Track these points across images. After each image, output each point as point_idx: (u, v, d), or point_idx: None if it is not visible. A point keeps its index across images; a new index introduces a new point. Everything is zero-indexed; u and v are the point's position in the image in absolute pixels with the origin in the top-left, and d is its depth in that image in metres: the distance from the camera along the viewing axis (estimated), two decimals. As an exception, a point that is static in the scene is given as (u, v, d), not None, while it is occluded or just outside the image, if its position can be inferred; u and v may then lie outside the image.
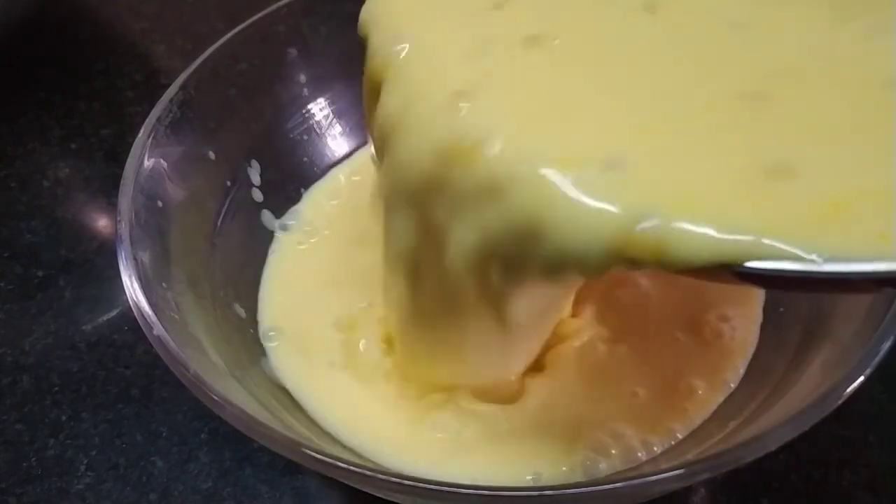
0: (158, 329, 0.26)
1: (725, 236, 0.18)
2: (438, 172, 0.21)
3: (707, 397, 0.29)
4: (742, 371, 0.30)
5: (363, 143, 0.41)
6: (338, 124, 0.41)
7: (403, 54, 0.22)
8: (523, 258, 0.20)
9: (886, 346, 0.24)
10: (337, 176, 0.40)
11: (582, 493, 0.21)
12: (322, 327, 0.33)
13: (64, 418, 0.36)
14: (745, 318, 0.31)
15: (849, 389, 0.22)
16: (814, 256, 0.17)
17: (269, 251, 0.37)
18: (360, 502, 0.28)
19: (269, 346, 0.33)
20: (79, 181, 0.47)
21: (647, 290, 0.31)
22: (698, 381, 0.29)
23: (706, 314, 0.31)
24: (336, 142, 0.41)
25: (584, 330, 0.30)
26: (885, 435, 0.33)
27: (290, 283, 0.35)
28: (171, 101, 0.33)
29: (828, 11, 0.20)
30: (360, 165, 0.40)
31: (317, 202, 0.38)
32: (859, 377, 0.23)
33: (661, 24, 0.22)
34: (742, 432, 0.26)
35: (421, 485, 0.21)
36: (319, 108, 0.40)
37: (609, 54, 0.21)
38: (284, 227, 0.38)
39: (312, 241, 0.37)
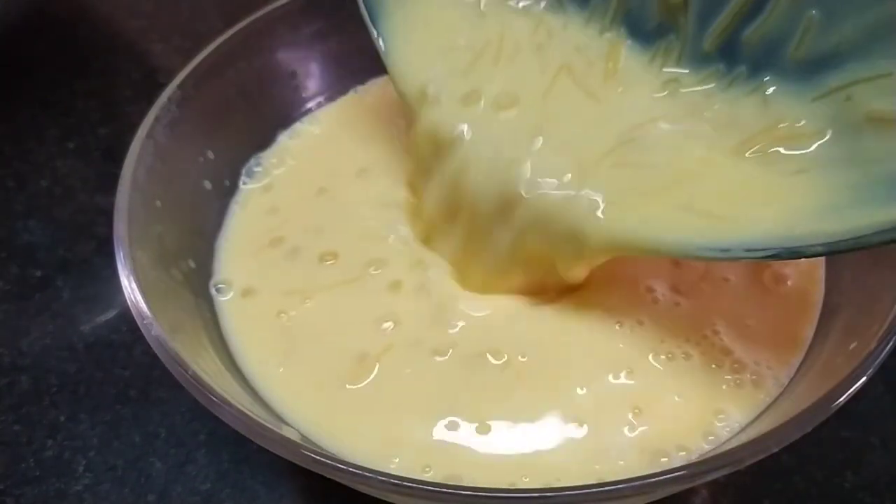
0: (157, 330, 0.25)
1: None
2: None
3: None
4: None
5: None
6: (337, 123, 0.41)
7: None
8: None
9: (888, 347, 0.24)
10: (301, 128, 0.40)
11: (582, 493, 0.21)
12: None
13: (62, 419, 0.36)
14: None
15: (851, 390, 0.22)
16: None
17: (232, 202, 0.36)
18: (359, 502, 0.28)
19: (221, 299, 0.33)
20: (76, 180, 0.47)
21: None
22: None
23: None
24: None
25: None
26: (888, 436, 0.33)
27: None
28: (169, 99, 0.33)
29: None
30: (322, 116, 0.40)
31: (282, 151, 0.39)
32: (861, 378, 0.23)
33: None
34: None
35: (420, 486, 0.21)
36: (319, 107, 0.40)
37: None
38: (251, 174, 0.37)
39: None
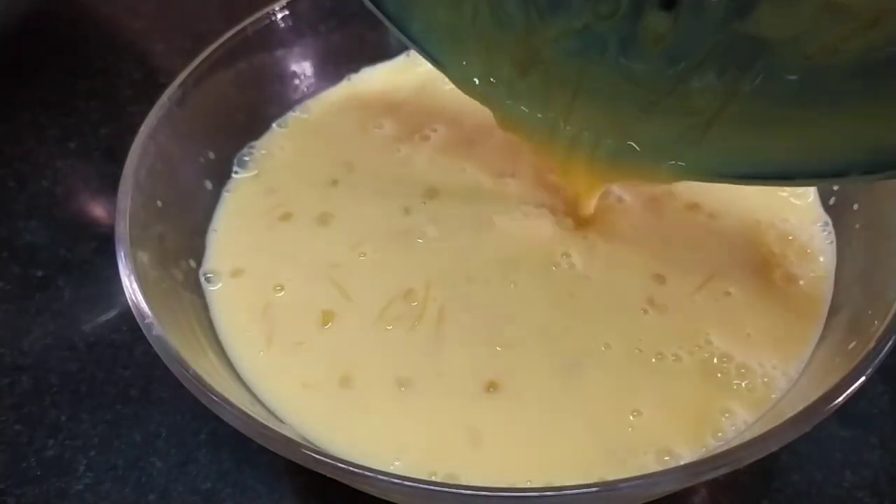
0: (157, 329, 0.26)
1: None
2: None
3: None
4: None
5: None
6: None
7: None
8: None
9: (887, 347, 0.24)
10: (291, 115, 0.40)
11: (582, 493, 0.21)
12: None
13: (63, 419, 0.36)
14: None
15: (850, 391, 0.22)
16: None
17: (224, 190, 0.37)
18: (359, 502, 0.28)
19: (211, 289, 0.33)
20: (77, 181, 0.47)
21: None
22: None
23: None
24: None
25: None
26: (887, 436, 0.33)
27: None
28: (169, 99, 0.33)
29: None
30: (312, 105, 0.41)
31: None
32: (860, 378, 0.23)
33: None
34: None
35: (421, 485, 0.21)
36: (312, 95, 0.40)
37: None
38: (242, 164, 0.37)
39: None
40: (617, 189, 0.35)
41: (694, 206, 0.34)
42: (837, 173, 0.25)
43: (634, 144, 0.30)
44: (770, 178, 0.27)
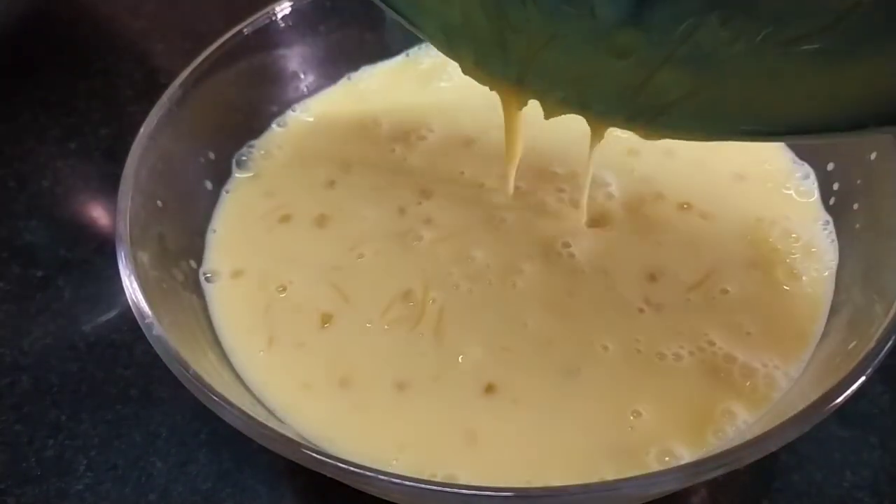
0: (157, 329, 0.26)
1: None
2: None
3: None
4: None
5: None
6: (337, 122, 0.41)
7: None
8: None
9: (887, 347, 0.24)
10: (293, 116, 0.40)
11: (582, 493, 0.21)
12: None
13: (63, 419, 0.36)
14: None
15: (850, 391, 0.22)
16: None
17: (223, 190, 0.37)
18: (359, 502, 0.28)
19: (211, 289, 0.33)
20: (78, 181, 0.47)
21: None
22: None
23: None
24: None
25: None
26: (887, 436, 0.33)
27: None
28: (169, 99, 0.33)
29: None
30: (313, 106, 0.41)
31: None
32: (860, 378, 0.23)
33: None
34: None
35: (421, 485, 0.21)
36: (312, 94, 0.40)
37: None
38: (241, 164, 0.37)
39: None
40: (610, 186, 0.35)
41: (685, 206, 0.34)
42: (854, 126, 0.24)
43: (644, 100, 0.28)
44: (782, 134, 0.27)
